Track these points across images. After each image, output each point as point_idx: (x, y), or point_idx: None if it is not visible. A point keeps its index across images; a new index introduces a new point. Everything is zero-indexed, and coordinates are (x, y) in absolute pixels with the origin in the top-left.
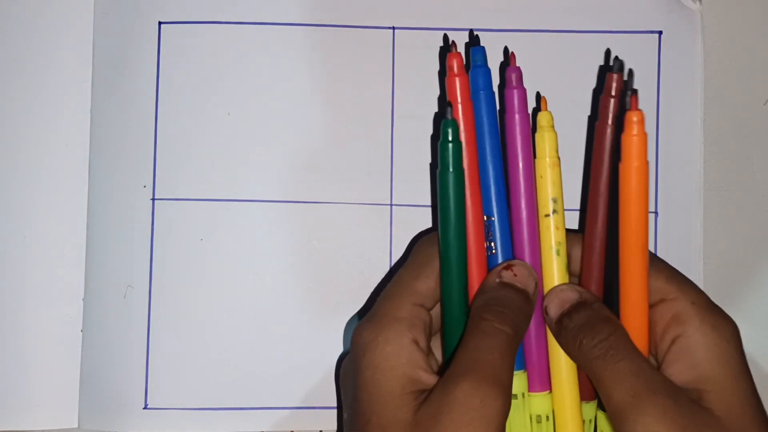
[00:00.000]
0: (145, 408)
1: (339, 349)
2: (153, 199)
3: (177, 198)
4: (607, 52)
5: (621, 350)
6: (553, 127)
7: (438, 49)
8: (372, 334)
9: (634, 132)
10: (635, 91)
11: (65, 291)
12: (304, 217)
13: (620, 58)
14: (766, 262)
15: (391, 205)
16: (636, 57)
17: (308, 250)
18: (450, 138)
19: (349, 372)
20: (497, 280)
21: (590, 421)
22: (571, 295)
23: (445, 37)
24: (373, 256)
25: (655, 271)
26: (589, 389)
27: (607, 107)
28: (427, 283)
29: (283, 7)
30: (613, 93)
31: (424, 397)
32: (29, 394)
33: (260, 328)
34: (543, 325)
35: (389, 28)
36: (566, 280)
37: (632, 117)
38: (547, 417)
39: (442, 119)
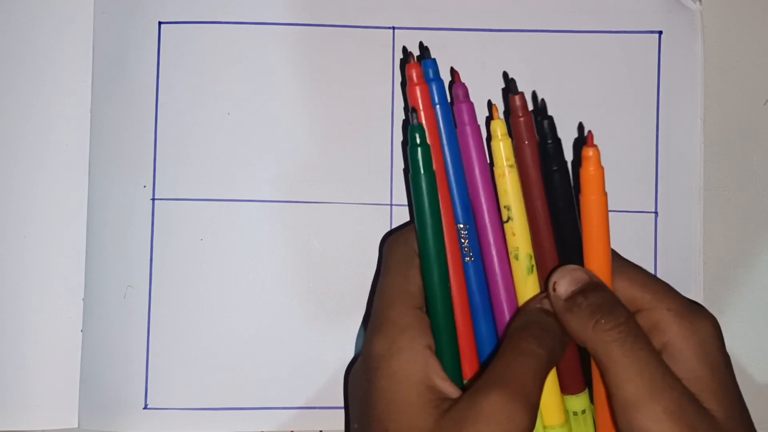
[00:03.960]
0: (145, 408)
1: (339, 349)
2: (153, 199)
3: (177, 198)
4: (505, 78)
5: (640, 339)
6: (506, 134)
7: (438, 49)
8: (385, 345)
9: (591, 167)
10: (589, 132)
11: (65, 291)
12: (304, 217)
13: (516, 81)
14: (765, 263)
15: (391, 205)
16: (636, 57)
17: (308, 250)
18: (419, 142)
19: (362, 383)
20: (538, 305)
21: (582, 412)
22: (583, 275)
23: (404, 50)
24: (373, 256)
25: (628, 281)
26: (577, 382)
27: (518, 126)
28: (417, 283)
29: (283, 7)
30: (520, 114)
31: (447, 406)
32: (29, 394)
33: (260, 328)
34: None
35: (389, 28)
36: (529, 283)
37: (588, 153)
38: (584, 411)
39: (409, 125)
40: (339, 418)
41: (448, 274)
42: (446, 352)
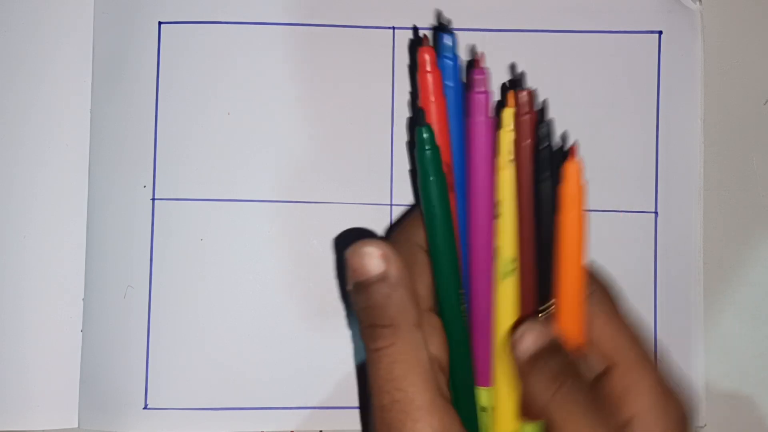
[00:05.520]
0: (145, 408)
1: (339, 349)
2: (153, 199)
3: (177, 198)
4: (512, 66)
5: (580, 398)
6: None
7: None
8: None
9: (571, 184)
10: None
11: (65, 291)
12: (304, 217)
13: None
14: (766, 262)
15: (391, 205)
16: (636, 57)
17: (308, 250)
18: (427, 146)
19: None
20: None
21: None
22: (542, 336)
23: (415, 31)
24: None
25: (611, 338)
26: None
27: (520, 125)
28: (424, 281)
29: (282, 7)
30: (525, 110)
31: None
32: (29, 394)
33: (260, 328)
34: (489, 329)
35: (389, 28)
36: (504, 286)
37: (569, 168)
38: (492, 408)
39: (416, 126)
40: (339, 419)
41: (459, 277)
42: (458, 357)
